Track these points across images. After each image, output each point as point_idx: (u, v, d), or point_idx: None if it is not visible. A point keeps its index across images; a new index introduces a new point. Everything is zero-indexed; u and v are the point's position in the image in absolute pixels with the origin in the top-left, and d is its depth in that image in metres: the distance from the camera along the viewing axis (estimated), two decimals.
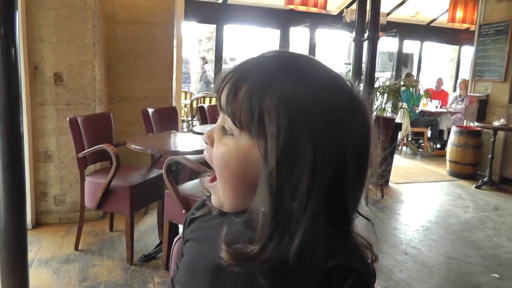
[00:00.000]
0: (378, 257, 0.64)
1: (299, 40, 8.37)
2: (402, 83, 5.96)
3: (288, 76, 0.58)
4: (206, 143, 0.65)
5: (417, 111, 7.53)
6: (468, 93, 6.33)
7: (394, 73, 8.90)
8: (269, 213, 0.56)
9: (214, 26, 7.74)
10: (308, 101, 0.56)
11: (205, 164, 0.80)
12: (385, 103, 5.50)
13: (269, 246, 0.56)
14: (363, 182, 0.62)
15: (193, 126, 6.93)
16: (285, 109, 0.55)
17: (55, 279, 2.63)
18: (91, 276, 2.68)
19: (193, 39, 10.39)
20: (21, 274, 2.39)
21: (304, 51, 7.41)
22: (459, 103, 7.79)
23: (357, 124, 0.60)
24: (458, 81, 8.30)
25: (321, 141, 0.55)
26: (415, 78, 8.31)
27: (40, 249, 3.01)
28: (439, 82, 8.53)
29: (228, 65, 0.65)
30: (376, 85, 5.42)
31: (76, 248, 3.02)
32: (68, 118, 2.87)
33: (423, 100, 7.86)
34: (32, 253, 2.88)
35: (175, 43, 4.08)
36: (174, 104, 4.11)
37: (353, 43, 5.61)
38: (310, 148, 0.55)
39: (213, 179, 0.65)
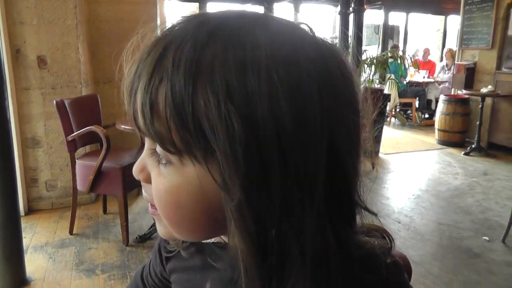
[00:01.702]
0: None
1: (283, 15, 8.28)
2: (389, 54, 5.95)
3: (227, 52, 0.38)
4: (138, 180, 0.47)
5: (405, 82, 7.56)
6: (456, 62, 6.36)
7: (380, 46, 8.87)
8: (251, 261, 0.39)
9: (197, 4, 7.61)
10: (268, 85, 0.37)
11: None
12: (373, 75, 5.49)
13: None
14: (358, 167, 0.48)
15: None
16: (232, 106, 0.37)
17: (52, 264, 2.62)
18: (87, 259, 2.68)
19: (176, 19, 10.22)
20: (18, 261, 2.39)
21: None
22: (446, 72, 7.82)
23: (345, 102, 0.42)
24: (444, 50, 8.30)
25: (295, 138, 0.38)
26: (401, 50, 8.30)
27: (34, 235, 3.00)
28: (426, 52, 8.53)
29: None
30: (364, 58, 5.40)
31: (71, 233, 3.01)
32: (54, 102, 2.82)
33: (411, 71, 7.89)
34: (27, 240, 2.86)
35: (158, 22, 4.00)
36: None
37: (338, 17, 5.58)
38: (283, 153, 0.37)
39: (153, 212, 0.47)
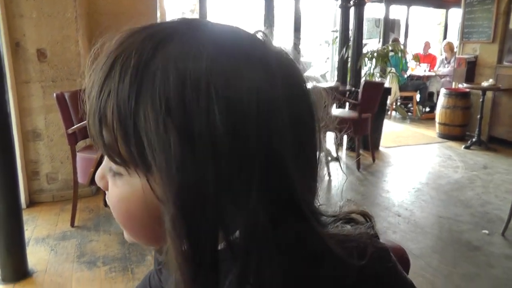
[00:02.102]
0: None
1: (284, 9, 8.25)
2: (390, 48, 5.94)
3: (168, 65, 0.38)
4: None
5: (405, 76, 7.54)
6: (457, 55, 6.34)
7: (381, 39, 8.83)
8: (184, 278, 0.38)
9: None
10: (206, 99, 0.37)
11: None
12: (374, 69, 5.48)
13: None
14: (315, 166, 0.47)
15: None
16: (170, 121, 0.37)
17: (53, 256, 2.64)
18: (89, 252, 2.70)
19: (176, 12, 10.19)
20: (20, 253, 2.41)
21: (289, 20, 7.34)
22: (446, 65, 7.79)
23: (282, 99, 0.41)
24: (443, 43, 8.26)
25: (229, 152, 0.38)
26: (401, 43, 8.26)
27: (36, 227, 3.01)
28: (426, 45, 8.50)
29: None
30: (364, 51, 5.39)
31: (72, 225, 3.02)
32: (55, 94, 2.82)
33: (411, 65, 7.87)
34: (28, 232, 2.87)
35: (158, 15, 4.00)
36: None
37: (339, 10, 5.56)
38: (218, 163, 0.37)
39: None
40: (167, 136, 0.37)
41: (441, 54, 8.47)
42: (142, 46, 0.40)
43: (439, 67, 7.98)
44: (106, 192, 0.47)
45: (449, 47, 7.70)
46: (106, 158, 0.44)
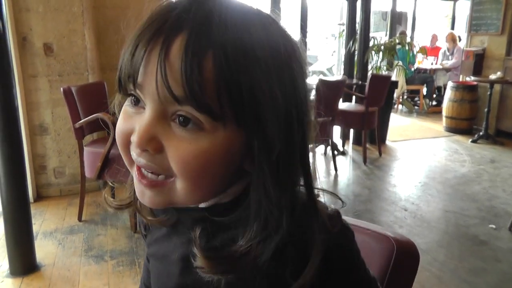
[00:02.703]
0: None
1: (290, 2, 8.20)
2: (397, 41, 5.89)
3: (245, 21, 0.45)
4: (145, 150, 0.46)
5: (412, 69, 7.48)
6: (464, 48, 6.28)
7: (388, 32, 8.76)
8: (274, 202, 0.46)
9: None
10: (283, 52, 0.46)
11: None
12: (381, 62, 5.45)
13: (259, 237, 0.46)
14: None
15: None
16: (276, 73, 0.44)
17: (61, 250, 2.66)
18: (96, 246, 2.72)
19: None
20: (28, 247, 2.43)
21: (296, 14, 7.30)
22: (449, 57, 7.66)
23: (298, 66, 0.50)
24: (438, 36, 8.09)
25: (301, 116, 0.48)
26: (408, 36, 8.17)
27: (44, 221, 3.04)
28: (434, 38, 8.42)
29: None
30: (371, 44, 5.36)
31: (80, 219, 3.04)
32: (62, 89, 2.83)
33: (419, 58, 7.78)
34: (36, 226, 2.90)
35: None
36: None
37: (345, 3, 5.52)
38: (296, 109, 0.47)
39: (156, 182, 0.48)
40: (275, 94, 0.44)
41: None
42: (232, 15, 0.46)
43: (442, 59, 7.83)
44: (146, 155, 0.47)
45: (451, 37, 7.58)
46: (150, 120, 0.45)
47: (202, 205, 0.52)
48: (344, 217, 0.53)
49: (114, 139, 2.78)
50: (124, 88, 0.48)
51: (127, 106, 0.50)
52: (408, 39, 7.22)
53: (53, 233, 2.88)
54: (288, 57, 0.47)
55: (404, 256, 0.68)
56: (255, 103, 0.44)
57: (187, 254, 0.52)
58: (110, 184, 0.66)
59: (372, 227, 0.73)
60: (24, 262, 2.41)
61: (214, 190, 0.50)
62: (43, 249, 2.64)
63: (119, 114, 0.51)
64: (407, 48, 6.33)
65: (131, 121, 0.48)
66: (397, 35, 7.29)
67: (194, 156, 0.45)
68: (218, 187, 0.50)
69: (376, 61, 5.41)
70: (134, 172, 0.50)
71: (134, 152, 0.48)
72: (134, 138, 0.46)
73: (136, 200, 0.58)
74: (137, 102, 0.48)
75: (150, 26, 0.45)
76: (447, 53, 7.70)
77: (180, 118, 0.44)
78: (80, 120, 2.87)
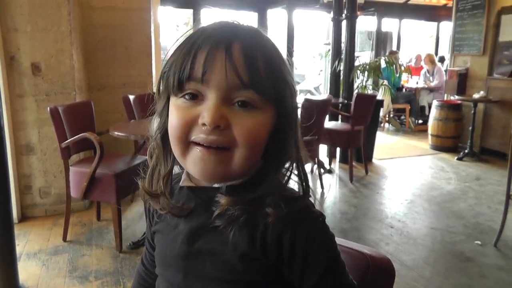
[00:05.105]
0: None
1: (277, 22, 8.32)
2: (382, 60, 5.99)
3: (266, 37, 0.65)
4: (218, 126, 0.60)
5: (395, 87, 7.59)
6: (448, 67, 6.42)
7: (373, 52, 8.93)
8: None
9: (191, 10, 7.63)
10: (283, 58, 0.66)
11: None
12: (366, 81, 5.53)
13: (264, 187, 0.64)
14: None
15: None
16: (288, 71, 0.65)
17: (45, 271, 2.62)
18: (81, 266, 2.68)
19: (170, 25, 10.25)
20: (10, 268, 2.39)
21: (283, 33, 7.37)
22: (430, 78, 7.79)
23: None
24: (422, 57, 8.24)
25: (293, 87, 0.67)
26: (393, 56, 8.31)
27: (28, 242, 3.00)
28: (418, 58, 8.59)
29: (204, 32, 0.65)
30: (356, 64, 5.44)
31: (64, 239, 3.01)
32: (49, 108, 2.83)
33: (405, 77, 7.90)
34: (20, 247, 2.86)
35: (152, 28, 4.03)
36: (155, 90, 4.07)
37: (331, 23, 5.62)
38: (295, 102, 0.68)
39: (221, 151, 0.62)
40: (291, 80, 0.65)
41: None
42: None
43: (424, 80, 7.92)
44: (216, 132, 0.60)
45: (429, 59, 7.75)
46: (217, 105, 0.59)
47: (216, 185, 0.66)
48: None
49: (100, 159, 2.78)
50: (181, 88, 0.61)
51: (182, 102, 0.62)
52: (400, 60, 7.32)
53: (37, 254, 2.83)
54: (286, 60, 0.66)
55: (379, 272, 0.70)
56: (283, 88, 0.63)
57: (194, 226, 0.67)
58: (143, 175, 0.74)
59: (349, 244, 0.74)
60: (7, 283, 2.36)
61: (254, 161, 0.65)
62: (27, 270, 2.60)
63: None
64: (393, 67, 6.44)
65: (192, 111, 0.61)
66: (387, 54, 7.39)
67: (255, 127, 0.61)
68: (256, 161, 0.65)
69: (361, 80, 5.49)
70: (191, 156, 0.63)
71: (203, 133, 0.60)
72: (205, 119, 0.59)
73: (163, 192, 0.70)
74: (193, 97, 0.61)
75: (207, 38, 0.60)
76: (427, 74, 7.84)
77: (239, 102, 0.60)
78: (67, 139, 2.86)
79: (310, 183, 0.69)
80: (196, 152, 0.62)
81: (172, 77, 0.62)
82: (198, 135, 0.61)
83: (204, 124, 0.59)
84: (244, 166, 0.63)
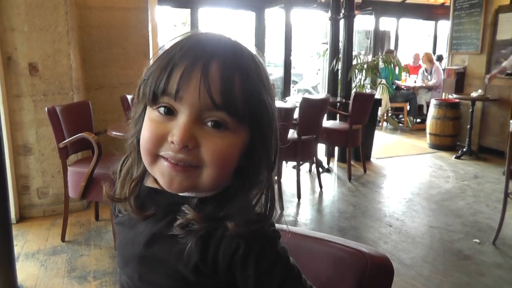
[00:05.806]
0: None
1: (274, 21, 8.32)
2: (380, 59, 5.99)
3: (247, 54, 0.63)
4: (187, 146, 0.59)
5: (394, 86, 7.59)
6: (446, 66, 6.43)
7: (371, 51, 8.92)
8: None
9: (189, 10, 7.63)
10: (266, 75, 0.65)
11: None
12: (364, 80, 5.53)
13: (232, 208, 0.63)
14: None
15: None
16: (269, 92, 0.63)
17: (43, 271, 2.62)
18: (79, 266, 2.68)
19: (168, 25, 10.24)
20: (9, 269, 2.38)
21: (280, 32, 7.37)
22: (428, 77, 7.81)
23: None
24: (421, 56, 8.26)
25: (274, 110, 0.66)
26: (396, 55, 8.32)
27: (26, 243, 2.99)
28: (416, 57, 8.60)
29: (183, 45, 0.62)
30: (354, 62, 5.44)
31: (63, 240, 3.00)
32: (46, 109, 2.82)
33: (403, 76, 7.90)
34: (18, 247, 2.85)
35: (149, 28, 4.02)
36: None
37: (329, 22, 5.62)
38: (275, 116, 0.66)
39: (188, 168, 0.61)
40: (270, 101, 0.64)
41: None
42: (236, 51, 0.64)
43: (422, 79, 7.93)
44: (184, 151, 0.60)
45: (427, 58, 7.76)
46: (189, 124, 0.59)
47: (182, 194, 0.65)
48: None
49: (98, 159, 2.77)
50: (155, 101, 0.61)
51: (156, 115, 0.62)
52: (397, 58, 7.33)
53: (35, 254, 2.83)
54: (268, 79, 0.65)
55: (377, 271, 0.70)
56: (259, 111, 0.61)
57: (152, 232, 0.66)
58: (112, 177, 0.75)
59: (347, 243, 0.74)
60: (5, 284, 2.35)
61: (223, 181, 0.64)
62: (25, 271, 2.59)
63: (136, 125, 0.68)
64: (391, 66, 6.44)
65: (163, 126, 0.61)
66: (384, 53, 7.40)
67: (224, 148, 0.60)
68: (225, 180, 0.64)
69: (359, 79, 5.49)
70: (158, 167, 0.63)
71: (171, 150, 0.60)
72: (174, 138, 0.59)
73: (127, 198, 0.70)
74: (169, 111, 0.60)
75: (185, 55, 0.59)
76: (426, 73, 7.85)
77: (212, 122, 0.59)
78: (65, 140, 2.86)
79: (277, 207, 0.68)
80: (164, 165, 0.62)
81: (148, 88, 0.61)
82: (166, 151, 0.61)
83: (173, 142, 0.59)
84: (212, 184, 0.63)
